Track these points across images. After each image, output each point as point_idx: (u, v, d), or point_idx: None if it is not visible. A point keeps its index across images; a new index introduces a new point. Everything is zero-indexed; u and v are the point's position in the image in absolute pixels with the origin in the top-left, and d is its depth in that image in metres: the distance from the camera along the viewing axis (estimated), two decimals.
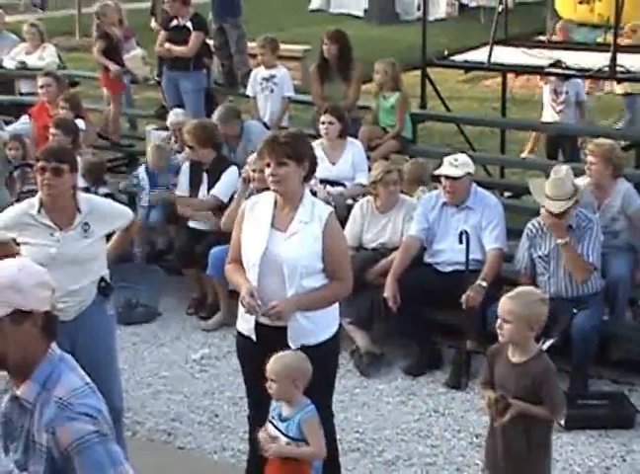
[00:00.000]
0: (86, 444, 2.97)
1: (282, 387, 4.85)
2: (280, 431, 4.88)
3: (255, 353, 5.14)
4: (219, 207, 8.22)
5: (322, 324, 5.12)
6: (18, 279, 3.05)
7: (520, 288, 5.06)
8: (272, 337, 5.02)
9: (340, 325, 5.32)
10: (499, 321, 4.84)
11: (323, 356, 5.08)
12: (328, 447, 5.34)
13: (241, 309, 5.10)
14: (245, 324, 5.16)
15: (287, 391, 4.87)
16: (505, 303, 4.85)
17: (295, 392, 4.88)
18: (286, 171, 4.95)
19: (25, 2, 24.01)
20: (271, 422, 4.94)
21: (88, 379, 3.13)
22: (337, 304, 5.25)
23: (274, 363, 4.85)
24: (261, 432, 4.96)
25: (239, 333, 5.26)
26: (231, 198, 8.13)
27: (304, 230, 4.99)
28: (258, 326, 5.07)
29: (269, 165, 4.99)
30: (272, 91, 9.98)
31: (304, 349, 5.00)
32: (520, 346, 4.86)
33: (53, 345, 3.13)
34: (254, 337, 5.12)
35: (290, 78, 10.24)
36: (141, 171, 8.88)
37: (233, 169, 8.32)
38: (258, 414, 5.38)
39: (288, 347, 5.01)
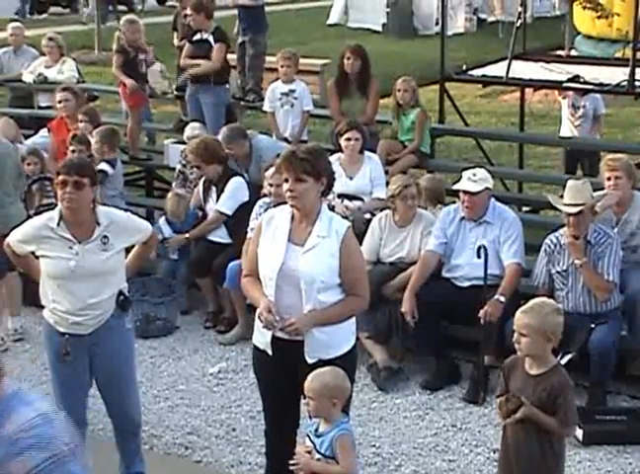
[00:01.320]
0: (43, 472, 2.88)
1: (321, 406, 4.84)
2: (314, 446, 4.88)
3: (271, 366, 5.16)
4: (225, 222, 8.34)
5: (339, 338, 5.12)
6: None
7: (533, 301, 5.05)
8: (288, 351, 5.03)
9: (357, 339, 5.32)
10: (516, 335, 4.86)
11: None
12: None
13: (258, 323, 5.10)
14: (261, 338, 5.16)
15: (325, 410, 4.85)
16: (520, 318, 4.86)
17: (333, 411, 4.86)
18: (305, 187, 4.95)
19: (88, 13, 24.15)
20: (308, 436, 4.95)
21: (45, 409, 3.00)
22: (354, 319, 5.25)
23: (312, 381, 4.83)
24: (299, 445, 4.99)
25: (255, 347, 5.27)
26: (236, 210, 8.26)
27: (322, 245, 4.99)
28: (274, 340, 5.07)
29: (287, 180, 4.99)
30: (292, 106, 10.00)
31: (321, 363, 4.99)
32: (539, 358, 4.87)
33: (5, 382, 3.02)
34: (270, 351, 5.12)
35: (309, 92, 10.26)
36: (162, 223, 8.78)
37: (236, 179, 8.36)
38: (274, 428, 5.40)
39: (305, 361, 5.01)
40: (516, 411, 4.82)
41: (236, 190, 8.35)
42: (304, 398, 4.97)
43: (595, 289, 6.81)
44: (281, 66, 10.05)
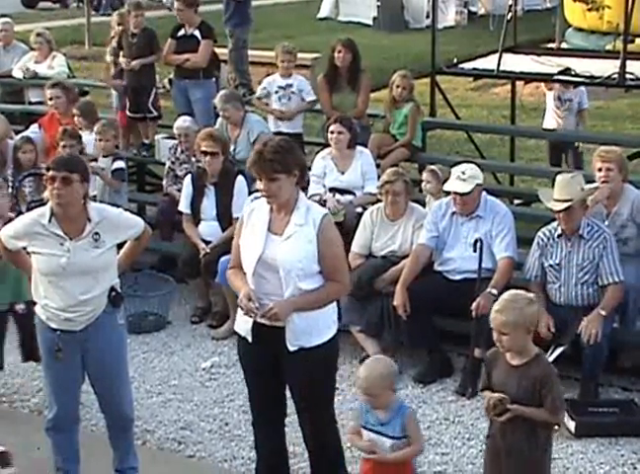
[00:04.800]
0: None
1: (383, 398, 5.03)
2: (383, 434, 5.03)
3: (254, 354, 5.28)
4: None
5: (320, 326, 5.20)
6: None
7: (504, 297, 5.01)
8: (270, 337, 5.13)
9: (338, 329, 5.37)
10: (496, 335, 4.85)
11: (321, 359, 5.20)
12: (333, 457, 5.40)
13: (239, 311, 5.20)
14: (243, 325, 5.25)
15: (386, 399, 5.04)
16: (497, 317, 4.85)
17: (393, 397, 5.07)
18: (278, 185, 5.07)
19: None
20: (368, 429, 5.08)
21: None
22: (335, 308, 5.33)
23: (368, 377, 5.02)
24: (356, 440, 5.16)
25: (238, 335, 5.36)
26: None
27: (299, 233, 5.09)
28: (257, 326, 5.15)
29: (260, 179, 5.09)
30: (289, 99, 9.99)
31: (302, 351, 5.11)
32: (521, 350, 4.88)
33: None
34: (250, 338, 5.21)
35: (308, 83, 10.23)
36: None
37: (241, 179, 8.28)
38: (261, 419, 5.48)
39: (287, 349, 5.10)
40: (503, 412, 4.82)
41: (243, 189, 8.27)
42: (290, 389, 5.17)
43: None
44: (282, 61, 10.01)
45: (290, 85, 10.00)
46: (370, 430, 5.09)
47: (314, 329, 5.16)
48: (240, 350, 5.42)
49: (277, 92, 10.00)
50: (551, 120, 11.27)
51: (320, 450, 5.46)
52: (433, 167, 8.10)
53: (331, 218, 5.28)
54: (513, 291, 5.09)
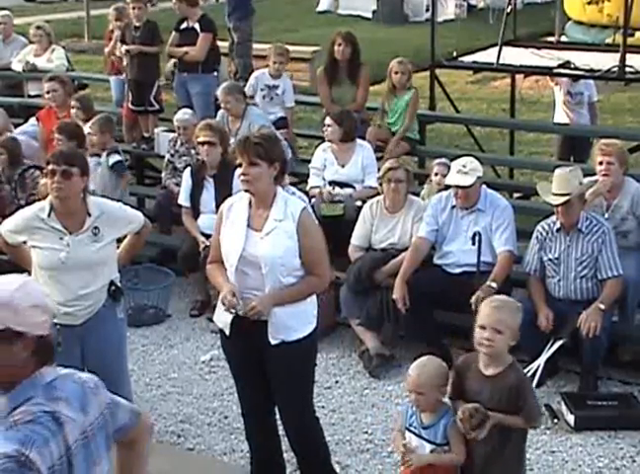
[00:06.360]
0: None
1: (432, 398, 4.84)
2: (424, 439, 4.86)
3: (236, 347, 5.31)
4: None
5: (301, 321, 5.22)
6: (14, 299, 2.99)
7: (497, 298, 4.99)
8: (252, 330, 5.13)
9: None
10: (488, 333, 4.69)
11: (302, 353, 5.22)
12: (317, 451, 5.41)
13: (220, 306, 5.20)
14: (222, 317, 5.26)
15: (434, 401, 4.85)
16: (493, 313, 4.72)
17: (440, 400, 4.88)
18: (258, 171, 5.05)
19: None
20: (410, 431, 4.94)
21: (58, 409, 2.99)
22: (315, 303, 5.34)
23: (419, 377, 4.84)
24: (398, 441, 4.96)
25: (220, 329, 5.37)
26: None
27: (279, 228, 5.10)
28: (239, 319, 5.14)
29: (241, 165, 5.09)
30: (272, 99, 10.01)
31: (283, 345, 5.13)
32: (499, 356, 4.74)
33: (45, 370, 3.07)
34: (227, 331, 5.23)
35: (292, 88, 10.24)
36: None
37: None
38: (250, 411, 5.52)
39: (269, 343, 5.11)
40: (481, 423, 4.63)
41: None
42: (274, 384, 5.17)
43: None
44: (273, 62, 10.03)
45: (277, 86, 10.03)
46: (413, 432, 4.92)
47: (296, 323, 5.18)
48: (223, 342, 5.46)
49: (262, 89, 10.02)
50: (562, 115, 11.20)
51: (304, 447, 5.48)
52: (443, 160, 8.08)
53: (310, 212, 5.30)
54: (505, 297, 5.08)
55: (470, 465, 4.82)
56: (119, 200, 6.10)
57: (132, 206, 6.26)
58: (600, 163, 7.25)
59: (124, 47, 10.32)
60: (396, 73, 9.40)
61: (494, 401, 4.69)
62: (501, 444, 4.73)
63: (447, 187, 7.43)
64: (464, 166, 7.20)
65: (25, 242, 5.53)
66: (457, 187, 7.20)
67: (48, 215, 5.40)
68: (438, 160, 8.15)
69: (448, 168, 7.64)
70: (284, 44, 10.47)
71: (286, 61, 10.14)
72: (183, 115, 9.35)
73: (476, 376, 4.79)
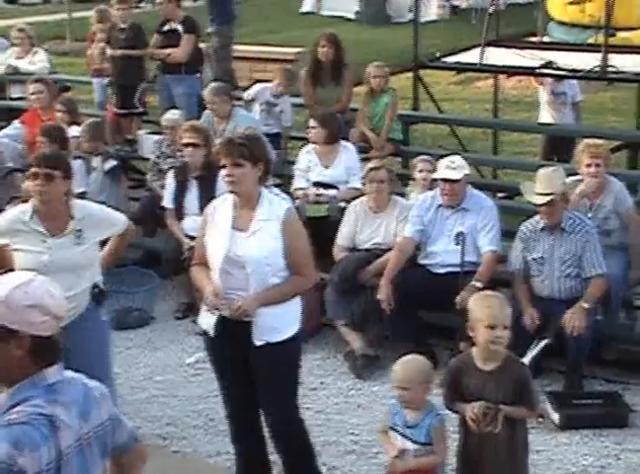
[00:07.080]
0: None
1: (416, 394, 4.87)
2: (408, 438, 4.89)
3: (220, 348, 5.30)
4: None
5: (285, 322, 5.20)
6: (10, 296, 2.98)
7: (492, 294, 5.02)
8: (236, 332, 5.11)
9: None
10: (499, 331, 4.70)
11: (286, 354, 5.21)
12: (303, 452, 5.40)
13: (204, 307, 5.19)
14: (206, 319, 5.24)
15: (420, 397, 4.89)
16: (499, 311, 4.76)
17: (425, 397, 4.91)
18: (242, 172, 5.03)
19: None
20: (395, 430, 4.96)
21: (55, 412, 2.98)
22: (299, 304, 5.32)
23: (404, 371, 4.89)
24: (383, 439, 5.03)
25: (204, 331, 5.35)
26: None
27: (263, 229, 5.09)
28: (223, 320, 5.13)
29: (225, 166, 5.08)
30: (268, 113, 10.00)
31: (268, 346, 5.11)
32: (497, 351, 4.78)
33: (49, 371, 3.06)
34: (211, 332, 5.22)
35: (291, 109, 10.22)
36: None
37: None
38: (236, 412, 5.50)
39: (253, 343, 5.10)
40: (494, 418, 4.69)
41: None
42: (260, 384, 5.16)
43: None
44: (279, 83, 10.00)
45: (276, 105, 10.02)
46: (397, 431, 4.96)
47: (280, 324, 5.16)
48: (207, 344, 5.44)
49: (262, 104, 10.00)
50: (546, 115, 11.24)
51: (289, 449, 5.47)
52: (425, 157, 8.10)
53: (294, 212, 5.30)
54: (489, 292, 5.11)
55: (480, 460, 4.88)
56: (116, 209, 6.08)
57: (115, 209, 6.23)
58: (589, 165, 7.25)
59: (110, 52, 10.30)
60: (374, 77, 9.43)
61: (499, 395, 4.76)
62: (509, 437, 4.80)
63: (434, 180, 7.45)
64: (453, 162, 7.25)
65: (7, 245, 5.50)
66: (446, 180, 7.21)
67: (31, 218, 5.38)
68: (419, 157, 8.17)
69: (431, 164, 7.67)
70: (269, 46, 10.47)
71: (293, 84, 10.13)
72: (172, 115, 9.32)
73: (476, 374, 4.84)
